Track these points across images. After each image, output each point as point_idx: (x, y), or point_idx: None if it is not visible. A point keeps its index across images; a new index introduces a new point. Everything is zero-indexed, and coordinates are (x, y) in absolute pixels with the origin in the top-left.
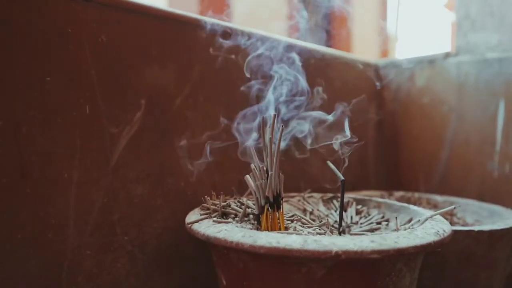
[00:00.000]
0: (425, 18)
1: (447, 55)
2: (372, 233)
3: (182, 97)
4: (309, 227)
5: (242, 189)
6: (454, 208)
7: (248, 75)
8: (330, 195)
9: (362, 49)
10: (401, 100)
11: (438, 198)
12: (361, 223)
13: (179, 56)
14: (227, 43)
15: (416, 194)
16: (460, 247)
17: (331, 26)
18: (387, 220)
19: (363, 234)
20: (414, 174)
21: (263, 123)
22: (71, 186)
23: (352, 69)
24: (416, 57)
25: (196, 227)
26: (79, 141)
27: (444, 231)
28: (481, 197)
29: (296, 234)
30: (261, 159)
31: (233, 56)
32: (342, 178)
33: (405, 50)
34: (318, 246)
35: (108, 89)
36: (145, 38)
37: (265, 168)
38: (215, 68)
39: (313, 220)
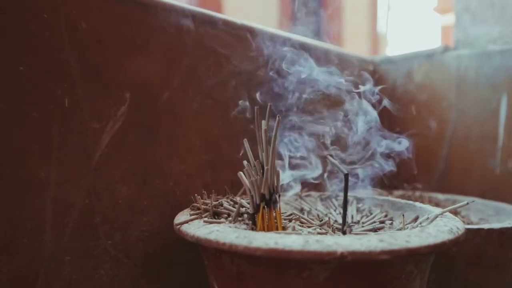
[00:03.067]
0: (414, 21)
1: (445, 49)
2: (376, 233)
3: (170, 91)
4: (309, 227)
5: (236, 189)
6: (467, 204)
7: (240, 68)
8: (328, 193)
9: (352, 47)
10: (398, 96)
11: (440, 196)
12: (362, 223)
13: (166, 47)
14: (218, 33)
15: (417, 193)
16: (468, 247)
17: (323, 22)
18: (391, 219)
19: (366, 234)
20: (413, 172)
21: (257, 114)
22: (48, 186)
23: (347, 64)
24: (413, 52)
25: (185, 228)
26: (57, 137)
27: (458, 228)
28: (483, 195)
29: (296, 234)
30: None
31: (224, 48)
32: (345, 171)
33: (395, 51)
34: (321, 246)
35: (90, 81)
36: (129, 26)
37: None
38: (205, 60)
39: (312, 220)
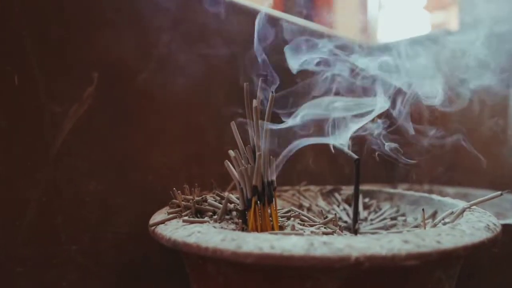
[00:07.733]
0: (404, 19)
1: (448, 32)
2: (387, 231)
3: (147, 72)
4: (311, 226)
5: (225, 184)
6: (501, 194)
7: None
8: (329, 187)
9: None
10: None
11: (449, 189)
12: (371, 220)
13: (142, 21)
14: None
15: (426, 186)
16: (494, 246)
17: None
18: (404, 215)
19: (376, 233)
20: (416, 164)
21: (247, 90)
22: None
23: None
24: (413, 37)
25: (161, 230)
26: (3, 121)
27: (495, 225)
28: (492, 187)
29: (296, 234)
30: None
31: (212, 24)
32: (356, 157)
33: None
34: (330, 250)
35: (48, 56)
36: None
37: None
38: (188, 37)
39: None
